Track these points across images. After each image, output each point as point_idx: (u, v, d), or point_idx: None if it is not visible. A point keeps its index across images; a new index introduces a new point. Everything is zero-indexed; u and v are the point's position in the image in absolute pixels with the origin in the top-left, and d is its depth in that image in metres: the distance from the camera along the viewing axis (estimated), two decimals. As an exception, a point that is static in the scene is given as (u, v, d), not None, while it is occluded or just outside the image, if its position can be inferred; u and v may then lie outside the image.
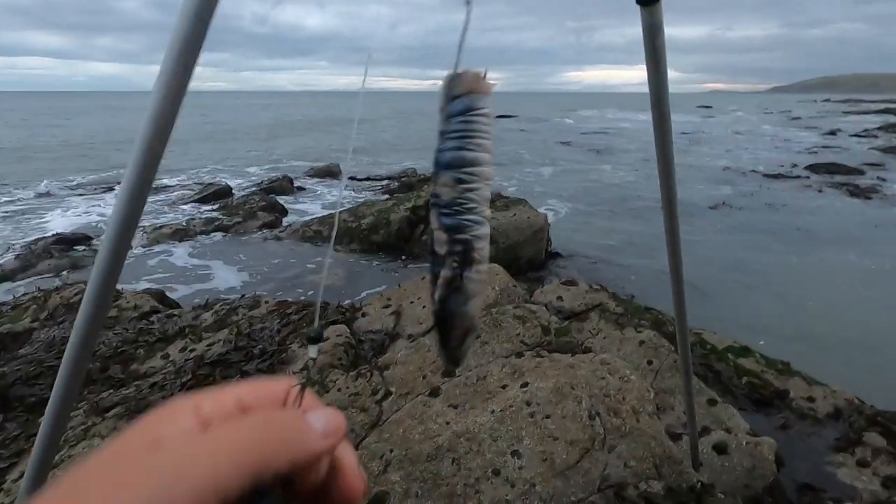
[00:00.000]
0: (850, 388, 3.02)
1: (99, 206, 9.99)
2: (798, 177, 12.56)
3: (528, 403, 1.61)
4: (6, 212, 9.34)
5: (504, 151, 17.76)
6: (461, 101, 0.35)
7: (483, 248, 0.35)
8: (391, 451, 1.59)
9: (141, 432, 0.23)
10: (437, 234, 0.34)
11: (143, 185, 0.50)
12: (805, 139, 21.86)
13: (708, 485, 1.46)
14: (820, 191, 10.93)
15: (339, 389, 1.97)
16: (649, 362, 2.49)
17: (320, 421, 0.25)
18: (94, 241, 7.35)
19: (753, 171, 13.56)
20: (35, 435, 2.24)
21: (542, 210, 7.45)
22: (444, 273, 0.34)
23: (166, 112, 0.46)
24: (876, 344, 4.41)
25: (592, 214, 9.09)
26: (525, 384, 1.72)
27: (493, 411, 1.63)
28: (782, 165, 14.19)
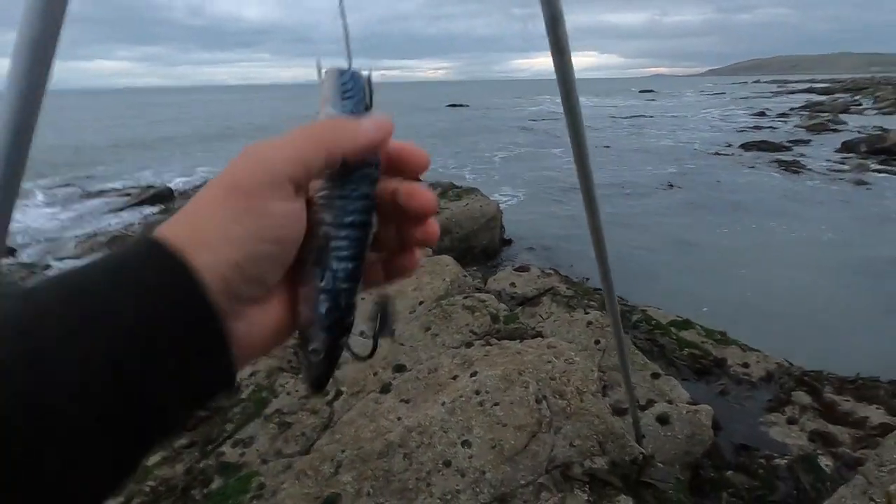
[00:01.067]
0: (779, 351, 3.26)
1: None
2: (732, 154, 13.29)
3: (478, 392, 1.63)
4: None
5: (458, 140, 17.80)
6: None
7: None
8: (343, 451, 1.57)
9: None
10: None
11: (7, 190, 0.45)
12: (738, 119, 23.12)
13: (649, 456, 1.53)
14: (752, 167, 11.61)
15: (288, 393, 1.92)
16: (596, 342, 2.58)
17: (368, 120, 0.33)
18: (23, 256, 6.82)
19: (694, 150, 14.24)
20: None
21: (496, 197, 7.53)
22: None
23: (24, 110, 0.42)
24: (798, 306, 4.76)
25: (546, 200, 9.27)
26: (474, 373, 1.74)
27: (443, 403, 1.64)
28: (719, 144, 14.97)
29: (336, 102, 0.34)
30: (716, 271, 5.70)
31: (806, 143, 14.68)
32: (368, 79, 0.35)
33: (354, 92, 0.34)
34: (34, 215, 9.19)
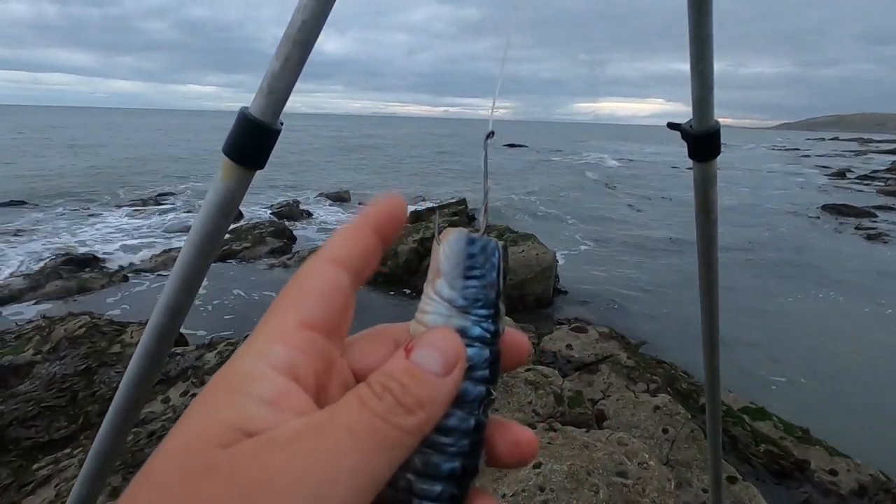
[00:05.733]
0: (868, 454, 2.90)
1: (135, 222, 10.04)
2: (810, 217, 12.48)
3: (542, 489, 1.53)
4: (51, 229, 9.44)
5: (516, 183, 17.87)
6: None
7: None
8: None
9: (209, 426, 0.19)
10: None
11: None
12: (815, 178, 21.84)
13: None
14: (834, 232, 10.83)
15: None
16: (664, 430, 2.40)
17: (430, 359, 0.21)
18: (104, 264, 7.37)
19: (765, 210, 13.51)
20: (29, 484, 2.15)
21: (553, 245, 7.40)
22: None
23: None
24: (888, 399, 4.26)
25: (608, 252, 9.03)
26: (538, 464, 1.64)
27: (504, 495, 1.55)
28: (795, 205, 14.13)
29: (455, 280, 0.24)
30: (793, 348, 5.25)
31: (893, 209, 13.57)
32: (504, 252, 0.25)
33: (484, 271, 0.24)
34: (118, 226, 9.97)
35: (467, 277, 0.24)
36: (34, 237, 9.00)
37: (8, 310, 5.79)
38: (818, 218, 12.34)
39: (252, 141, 0.38)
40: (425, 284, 0.25)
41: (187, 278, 0.41)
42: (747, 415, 3.15)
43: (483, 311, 0.24)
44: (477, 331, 0.23)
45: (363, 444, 0.18)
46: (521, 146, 37.92)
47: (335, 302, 0.23)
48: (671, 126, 0.53)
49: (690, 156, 0.52)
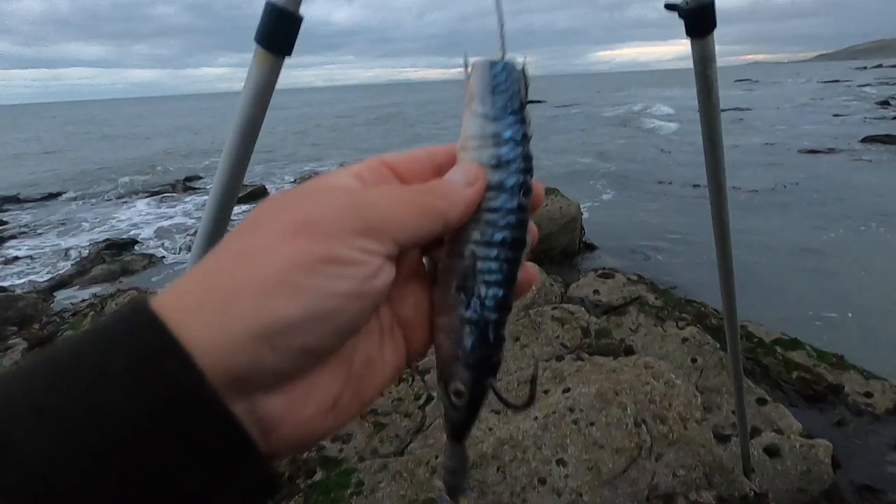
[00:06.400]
0: None
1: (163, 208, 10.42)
2: (852, 150, 11.87)
3: (571, 410, 1.61)
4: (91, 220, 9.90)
5: (537, 137, 17.42)
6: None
7: None
8: (436, 457, 1.62)
9: (314, 182, 0.28)
10: None
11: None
12: (857, 109, 20.56)
13: (762, 494, 1.42)
14: (881, 163, 10.31)
15: (381, 395, 2.01)
16: (693, 360, 2.44)
17: (459, 174, 0.29)
18: (139, 247, 7.70)
19: (802, 146, 12.88)
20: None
21: (579, 196, 7.31)
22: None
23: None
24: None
25: (634, 200, 8.85)
26: (567, 389, 1.72)
27: (536, 418, 1.63)
28: (835, 138, 13.42)
29: (485, 98, 0.29)
30: (838, 284, 5.12)
31: (944, 136, 12.72)
32: (523, 70, 0.30)
33: (508, 85, 0.30)
34: (151, 210, 10.33)
35: (495, 93, 0.30)
36: (76, 225, 9.45)
37: (61, 294, 6.17)
38: (859, 150, 11.72)
39: (279, 27, 0.43)
40: (463, 110, 0.31)
41: (234, 164, 0.48)
42: (780, 346, 3.14)
43: (512, 118, 0.30)
44: (509, 133, 0.29)
45: (409, 204, 0.27)
46: (539, 102, 36.81)
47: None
48: (668, 7, 0.55)
49: (688, 33, 0.54)
